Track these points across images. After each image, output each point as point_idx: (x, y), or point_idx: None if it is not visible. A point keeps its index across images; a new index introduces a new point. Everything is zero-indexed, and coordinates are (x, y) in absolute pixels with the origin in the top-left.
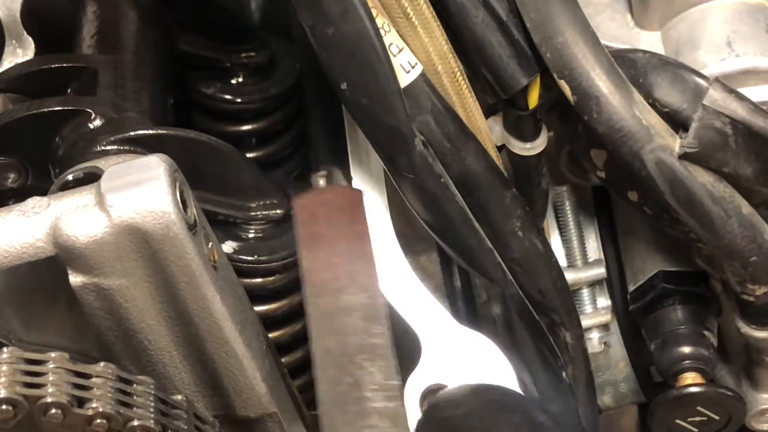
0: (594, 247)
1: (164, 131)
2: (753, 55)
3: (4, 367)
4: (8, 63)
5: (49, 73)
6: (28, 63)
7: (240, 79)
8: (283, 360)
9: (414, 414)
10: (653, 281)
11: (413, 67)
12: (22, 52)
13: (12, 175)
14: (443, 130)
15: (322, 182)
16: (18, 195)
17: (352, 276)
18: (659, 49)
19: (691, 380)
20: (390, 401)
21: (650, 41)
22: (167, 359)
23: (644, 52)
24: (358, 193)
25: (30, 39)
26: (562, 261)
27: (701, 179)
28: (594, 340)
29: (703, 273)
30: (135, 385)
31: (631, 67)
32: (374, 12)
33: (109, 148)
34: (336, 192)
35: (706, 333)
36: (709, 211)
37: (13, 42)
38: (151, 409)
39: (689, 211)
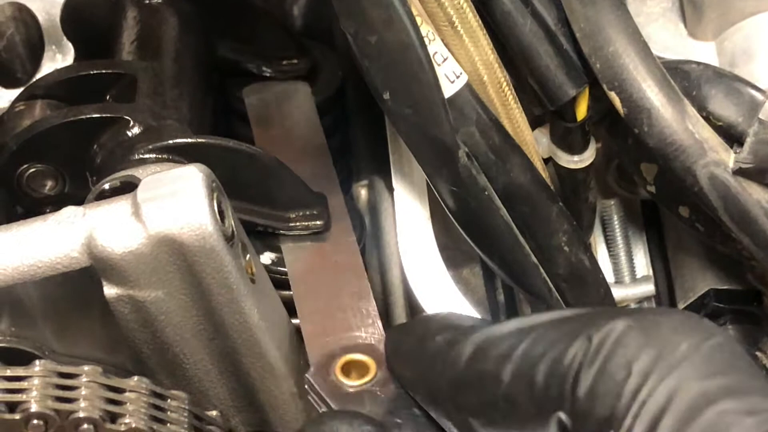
0: (643, 263)
1: (203, 140)
2: None
3: (36, 381)
4: (48, 68)
5: (87, 80)
6: (67, 69)
7: None
8: None
9: None
10: (704, 299)
11: (458, 77)
12: (61, 58)
13: (49, 183)
14: (488, 142)
15: (363, 192)
16: (55, 203)
17: None
18: (713, 61)
19: None
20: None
21: (704, 52)
22: (203, 373)
23: (698, 63)
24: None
25: (70, 44)
26: (610, 277)
27: (756, 196)
28: None
29: (756, 291)
30: (169, 400)
31: (684, 78)
32: (419, 20)
33: (147, 156)
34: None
35: (759, 354)
36: (764, 229)
37: (53, 47)
38: (185, 425)
39: (743, 228)
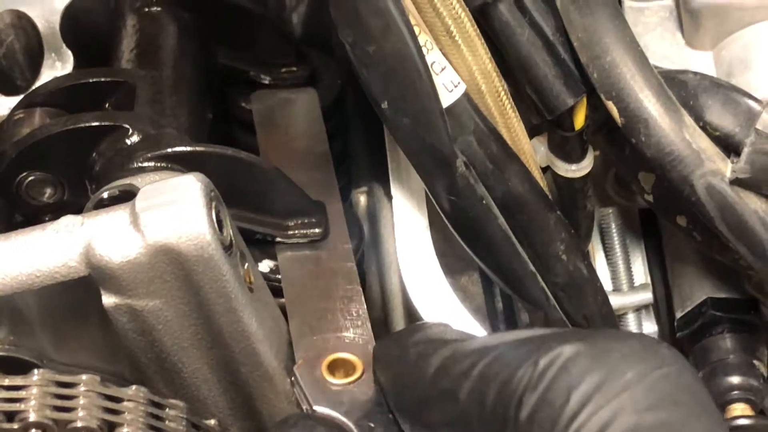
0: (640, 271)
1: (202, 148)
2: None
3: (35, 390)
4: (47, 76)
5: (87, 88)
6: (66, 77)
7: None
8: None
9: None
10: (701, 308)
11: (456, 87)
12: (61, 66)
13: (48, 191)
14: (486, 151)
15: (362, 199)
16: (54, 210)
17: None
18: (711, 70)
19: (740, 412)
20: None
21: (702, 62)
22: (201, 382)
23: (695, 73)
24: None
25: (69, 52)
26: (608, 285)
27: (753, 206)
28: None
29: (753, 300)
30: (167, 409)
31: (681, 88)
32: (417, 29)
33: (146, 164)
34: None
35: (756, 363)
36: (761, 239)
37: (52, 55)
38: None
39: (740, 238)
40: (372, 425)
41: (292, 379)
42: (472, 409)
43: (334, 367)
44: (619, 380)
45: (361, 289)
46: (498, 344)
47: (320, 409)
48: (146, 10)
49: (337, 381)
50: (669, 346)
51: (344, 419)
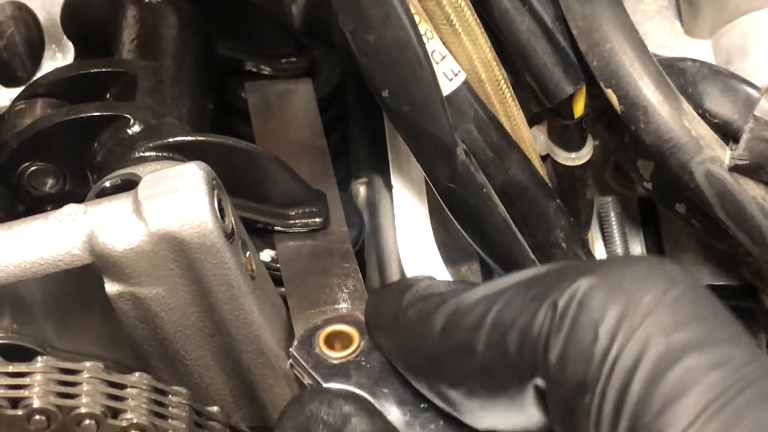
0: None
1: (203, 138)
2: None
3: (39, 377)
4: (48, 67)
5: (88, 78)
6: (67, 68)
7: None
8: None
9: None
10: None
11: (456, 75)
12: (61, 57)
13: (50, 181)
14: (486, 140)
15: (362, 189)
16: (56, 201)
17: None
18: (709, 58)
19: None
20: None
21: (700, 49)
22: (203, 370)
23: (694, 60)
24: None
25: (70, 43)
26: None
27: (752, 192)
28: None
29: (751, 287)
30: (170, 396)
31: (680, 76)
32: (417, 18)
33: (147, 154)
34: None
35: None
36: (760, 225)
37: (53, 46)
38: (186, 421)
39: (739, 225)
40: (386, 390)
41: (291, 361)
42: (493, 358)
43: (332, 341)
44: (639, 307)
45: (358, 267)
46: (503, 289)
47: (331, 386)
48: (147, 0)
49: (336, 355)
50: (673, 263)
51: (358, 391)
